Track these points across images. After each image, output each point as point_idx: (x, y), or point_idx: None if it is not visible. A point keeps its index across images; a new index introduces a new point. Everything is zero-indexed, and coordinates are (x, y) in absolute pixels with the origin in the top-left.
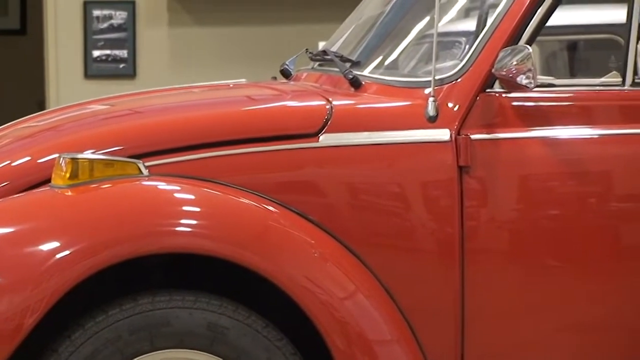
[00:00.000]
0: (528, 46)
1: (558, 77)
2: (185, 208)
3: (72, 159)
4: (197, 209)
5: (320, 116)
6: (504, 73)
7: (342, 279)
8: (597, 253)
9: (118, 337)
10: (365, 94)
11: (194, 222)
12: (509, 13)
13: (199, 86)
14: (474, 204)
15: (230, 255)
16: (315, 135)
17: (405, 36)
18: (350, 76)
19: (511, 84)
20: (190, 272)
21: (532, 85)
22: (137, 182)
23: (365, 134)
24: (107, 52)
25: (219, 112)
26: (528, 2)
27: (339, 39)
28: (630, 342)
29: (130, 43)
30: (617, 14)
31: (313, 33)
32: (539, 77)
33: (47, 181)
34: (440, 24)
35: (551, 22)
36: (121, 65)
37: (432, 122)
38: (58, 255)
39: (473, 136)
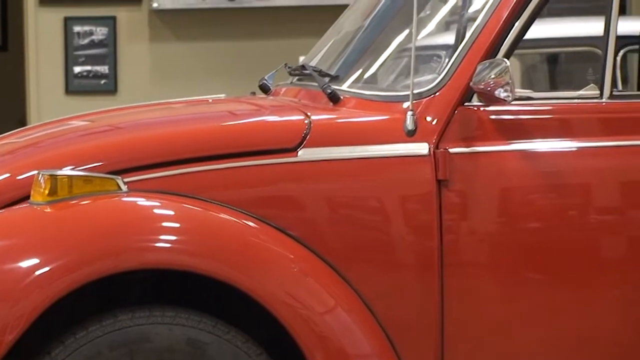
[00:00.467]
0: (506, 59)
1: (539, 90)
2: (165, 224)
3: (51, 175)
4: (177, 225)
5: (299, 131)
6: (481, 87)
7: (322, 294)
8: (576, 266)
9: (98, 354)
10: (344, 109)
11: (173, 237)
12: (487, 27)
13: (178, 102)
14: (453, 217)
15: (210, 271)
16: (294, 150)
17: (384, 50)
18: (329, 91)
19: (489, 98)
20: (171, 288)
21: (510, 99)
22: (116, 198)
23: (344, 148)
24: (88, 67)
25: (197, 128)
26: (505, 15)
27: (318, 53)
28: (611, 354)
29: (111, 59)
30: (596, 27)
31: (293, 48)
32: (517, 90)
33: (26, 198)
34: (418, 38)
35: (530, 35)
36: (102, 81)
37: (411, 136)
38: (37, 272)
39: (451, 150)
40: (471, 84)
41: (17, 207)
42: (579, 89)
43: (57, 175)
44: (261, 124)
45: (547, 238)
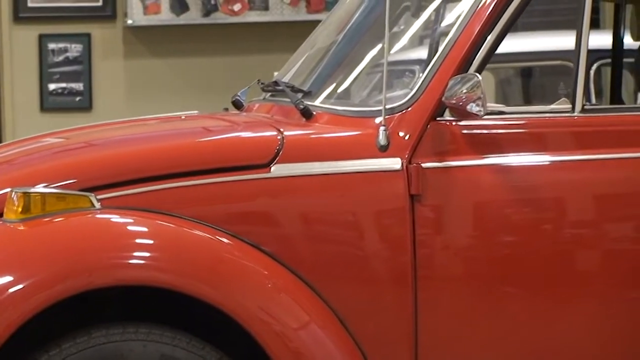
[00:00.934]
0: (477, 74)
1: (513, 104)
2: (138, 241)
3: (24, 193)
4: (150, 242)
5: (272, 147)
6: (453, 101)
7: (296, 310)
8: (549, 279)
9: None
10: (317, 124)
11: (146, 254)
12: (458, 41)
13: (151, 118)
14: (426, 232)
15: (183, 287)
16: (266, 165)
17: (357, 65)
18: (302, 106)
19: (461, 112)
20: (145, 304)
21: (482, 113)
22: (90, 215)
23: (317, 164)
24: (63, 85)
25: (171, 145)
26: (477, 30)
27: (291, 68)
28: None
29: (85, 76)
30: (569, 40)
31: (267, 64)
32: (489, 104)
33: None
34: (391, 53)
35: (503, 49)
36: (77, 98)
37: (384, 151)
38: (11, 289)
39: (424, 165)
40: (443, 98)
41: None
42: (553, 102)
43: (30, 192)
44: (234, 140)
45: (520, 251)
